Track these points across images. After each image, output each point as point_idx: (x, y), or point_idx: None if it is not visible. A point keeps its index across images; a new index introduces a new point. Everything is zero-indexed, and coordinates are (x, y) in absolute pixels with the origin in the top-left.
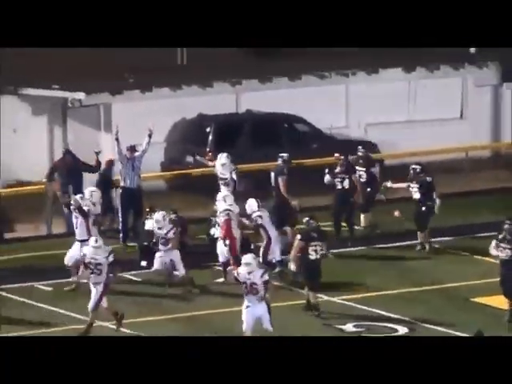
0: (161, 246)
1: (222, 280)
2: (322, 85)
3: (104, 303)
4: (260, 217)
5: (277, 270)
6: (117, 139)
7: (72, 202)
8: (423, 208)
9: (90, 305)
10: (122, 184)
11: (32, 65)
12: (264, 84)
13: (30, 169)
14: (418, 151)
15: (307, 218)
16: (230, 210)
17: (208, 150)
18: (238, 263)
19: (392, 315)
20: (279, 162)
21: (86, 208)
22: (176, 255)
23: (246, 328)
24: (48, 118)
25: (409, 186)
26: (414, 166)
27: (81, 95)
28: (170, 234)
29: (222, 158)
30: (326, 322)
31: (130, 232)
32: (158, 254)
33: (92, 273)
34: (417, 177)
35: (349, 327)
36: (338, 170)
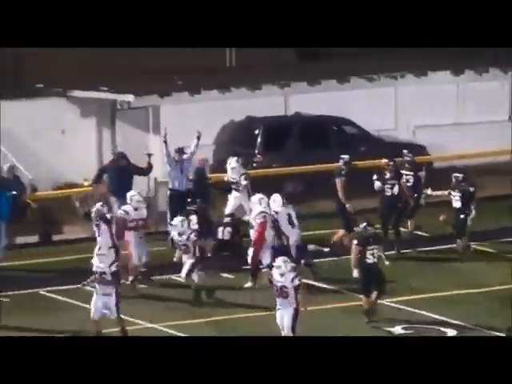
0: (183, 256)
1: (250, 284)
2: (371, 87)
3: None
4: (276, 213)
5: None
6: (165, 141)
7: (94, 211)
8: (462, 216)
9: (112, 316)
10: (170, 186)
11: (80, 66)
12: (313, 86)
13: (78, 170)
14: (467, 153)
15: (364, 224)
16: (266, 212)
17: (257, 152)
18: (257, 266)
19: (440, 317)
20: (340, 163)
21: (108, 215)
22: (191, 258)
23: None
24: (96, 120)
25: (449, 194)
26: (456, 175)
27: (129, 97)
28: (192, 237)
29: (232, 161)
30: (375, 325)
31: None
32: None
33: (98, 282)
34: (459, 185)
35: (397, 329)
36: (388, 176)
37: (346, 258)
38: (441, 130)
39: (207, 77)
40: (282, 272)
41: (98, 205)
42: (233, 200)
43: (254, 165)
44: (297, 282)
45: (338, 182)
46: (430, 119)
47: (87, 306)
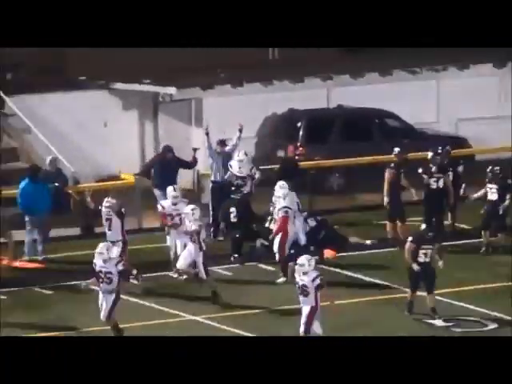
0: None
1: (283, 280)
2: (413, 80)
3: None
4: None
5: None
6: (207, 134)
7: (106, 205)
8: (499, 209)
9: (103, 314)
10: (212, 179)
11: (123, 59)
12: (355, 79)
13: (121, 163)
14: (510, 146)
15: (426, 226)
16: (289, 207)
17: (299, 144)
18: (286, 261)
19: (481, 310)
20: (392, 155)
21: (122, 209)
22: (198, 256)
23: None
24: (138, 113)
25: (486, 188)
26: (492, 168)
27: (172, 90)
28: (196, 227)
29: (240, 154)
30: (416, 317)
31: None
32: (183, 253)
33: (102, 282)
34: (496, 178)
35: (438, 322)
36: (433, 169)
37: (389, 250)
38: (483, 122)
39: (250, 69)
40: (304, 270)
41: (111, 199)
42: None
43: (297, 157)
44: (318, 281)
45: (387, 173)
46: (472, 112)
47: (127, 297)
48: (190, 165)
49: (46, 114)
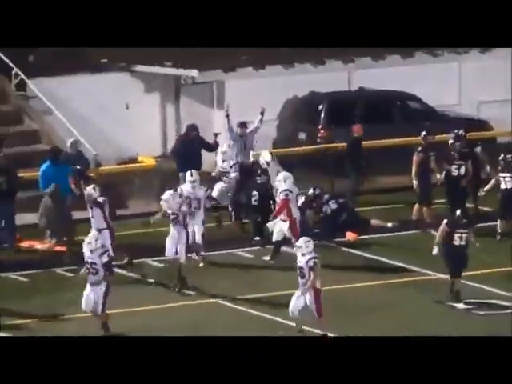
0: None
1: (267, 258)
2: (435, 62)
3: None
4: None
5: None
6: (227, 116)
7: (86, 194)
8: None
9: (98, 309)
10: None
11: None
12: (376, 62)
13: (142, 146)
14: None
15: (459, 214)
16: (289, 190)
17: (320, 127)
18: None
19: (502, 292)
20: (420, 138)
21: (100, 199)
22: (181, 239)
23: (291, 309)
24: (160, 95)
25: (498, 179)
26: (504, 156)
27: (194, 72)
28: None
29: (224, 147)
30: (437, 300)
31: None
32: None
33: (88, 272)
34: (508, 166)
35: (460, 305)
36: (455, 156)
37: (411, 233)
38: (505, 105)
39: (271, 52)
40: (302, 252)
41: (90, 188)
42: (218, 190)
43: (318, 140)
44: (311, 263)
45: (414, 157)
46: (493, 95)
47: (149, 280)
48: (212, 147)
49: (68, 96)
